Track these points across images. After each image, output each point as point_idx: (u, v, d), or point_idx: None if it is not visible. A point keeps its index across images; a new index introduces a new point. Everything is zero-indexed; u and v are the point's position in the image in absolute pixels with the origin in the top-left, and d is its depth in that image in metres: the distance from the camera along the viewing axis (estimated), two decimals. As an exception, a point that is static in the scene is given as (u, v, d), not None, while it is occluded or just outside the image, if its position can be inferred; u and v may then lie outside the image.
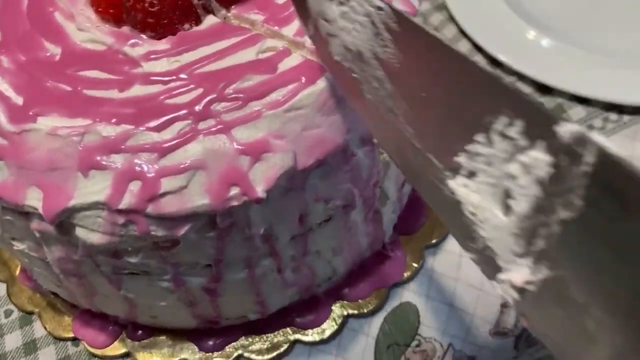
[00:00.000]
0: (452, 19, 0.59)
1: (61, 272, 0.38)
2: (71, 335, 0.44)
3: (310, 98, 0.35)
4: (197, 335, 0.43)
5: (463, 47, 0.58)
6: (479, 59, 0.57)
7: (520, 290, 0.19)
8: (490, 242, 0.20)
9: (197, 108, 0.34)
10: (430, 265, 0.46)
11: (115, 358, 0.43)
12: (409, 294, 0.45)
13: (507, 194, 0.19)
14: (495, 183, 0.20)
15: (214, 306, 0.40)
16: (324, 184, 0.37)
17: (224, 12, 0.38)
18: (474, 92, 0.20)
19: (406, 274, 0.45)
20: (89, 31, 0.38)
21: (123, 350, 0.43)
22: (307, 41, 0.36)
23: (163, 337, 0.43)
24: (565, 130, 0.17)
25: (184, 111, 0.34)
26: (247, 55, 0.36)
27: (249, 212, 0.34)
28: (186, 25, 0.37)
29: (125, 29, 0.38)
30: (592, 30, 0.56)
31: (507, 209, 0.19)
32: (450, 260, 0.46)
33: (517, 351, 0.48)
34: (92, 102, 0.35)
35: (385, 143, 0.27)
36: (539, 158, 0.18)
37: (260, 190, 0.33)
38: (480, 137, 0.20)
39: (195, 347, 0.43)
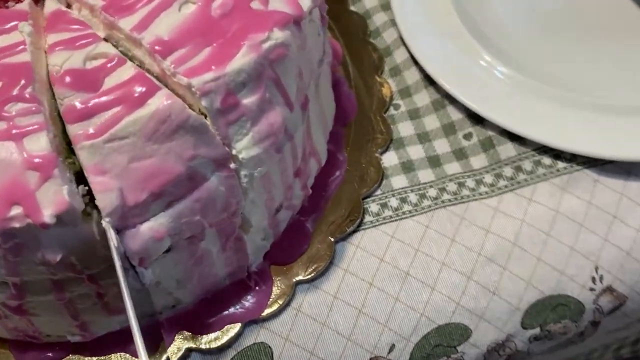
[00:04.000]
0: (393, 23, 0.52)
1: None
2: None
3: (136, 125, 0.29)
4: (19, 347, 0.38)
5: (400, 56, 0.51)
6: (414, 71, 0.50)
7: None
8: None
9: (-12, 105, 0.28)
10: (299, 304, 0.41)
11: None
12: (267, 334, 0.40)
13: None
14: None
15: (27, 322, 0.35)
16: (167, 215, 0.31)
17: (63, -11, 0.32)
18: None
19: (268, 311, 0.40)
20: None
21: None
22: (145, 38, 0.31)
23: (-17, 344, 0.39)
24: None
25: (-30, 106, 0.28)
26: (74, 59, 0.30)
27: (39, 235, 0.29)
28: (10, 3, 0.32)
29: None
30: (543, 59, 0.49)
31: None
32: (323, 301, 0.41)
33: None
34: None
35: None
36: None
37: (47, 215, 0.28)
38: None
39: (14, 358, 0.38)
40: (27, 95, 0.29)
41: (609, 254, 0.44)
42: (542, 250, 0.43)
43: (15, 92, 0.29)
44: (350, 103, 0.48)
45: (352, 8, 0.54)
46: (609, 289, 0.44)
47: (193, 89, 0.30)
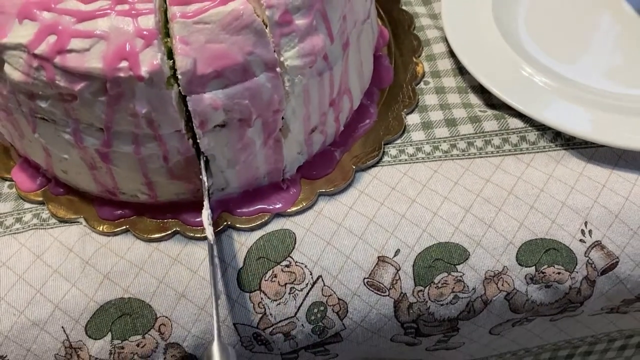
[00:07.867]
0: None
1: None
2: (9, 176, 0.52)
3: (218, 15, 0.41)
4: (100, 202, 0.50)
5: (437, 49, 0.61)
6: (447, 62, 0.60)
7: None
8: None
9: (120, -7, 0.41)
10: (320, 208, 0.50)
11: (34, 202, 0.51)
12: (292, 224, 0.49)
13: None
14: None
15: (110, 175, 0.47)
16: (223, 93, 0.42)
17: None
18: None
19: (294, 208, 0.49)
20: None
21: (40, 199, 0.51)
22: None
23: (73, 198, 0.50)
24: None
25: (109, -7, 0.41)
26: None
27: (135, 88, 0.40)
28: None
29: None
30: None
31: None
32: (340, 209, 0.50)
33: (400, 324, 0.49)
34: (50, -28, 0.43)
35: None
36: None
37: (144, 70, 0.39)
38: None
39: (95, 211, 0.50)
40: (147, -9, 0.41)
41: (598, 212, 0.49)
42: (535, 201, 0.50)
43: (139, -13, 0.41)
44: (387, 73, 0.58)
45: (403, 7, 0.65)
46: (599, 244, 0.49)
47: (262, 2, 0.41)
